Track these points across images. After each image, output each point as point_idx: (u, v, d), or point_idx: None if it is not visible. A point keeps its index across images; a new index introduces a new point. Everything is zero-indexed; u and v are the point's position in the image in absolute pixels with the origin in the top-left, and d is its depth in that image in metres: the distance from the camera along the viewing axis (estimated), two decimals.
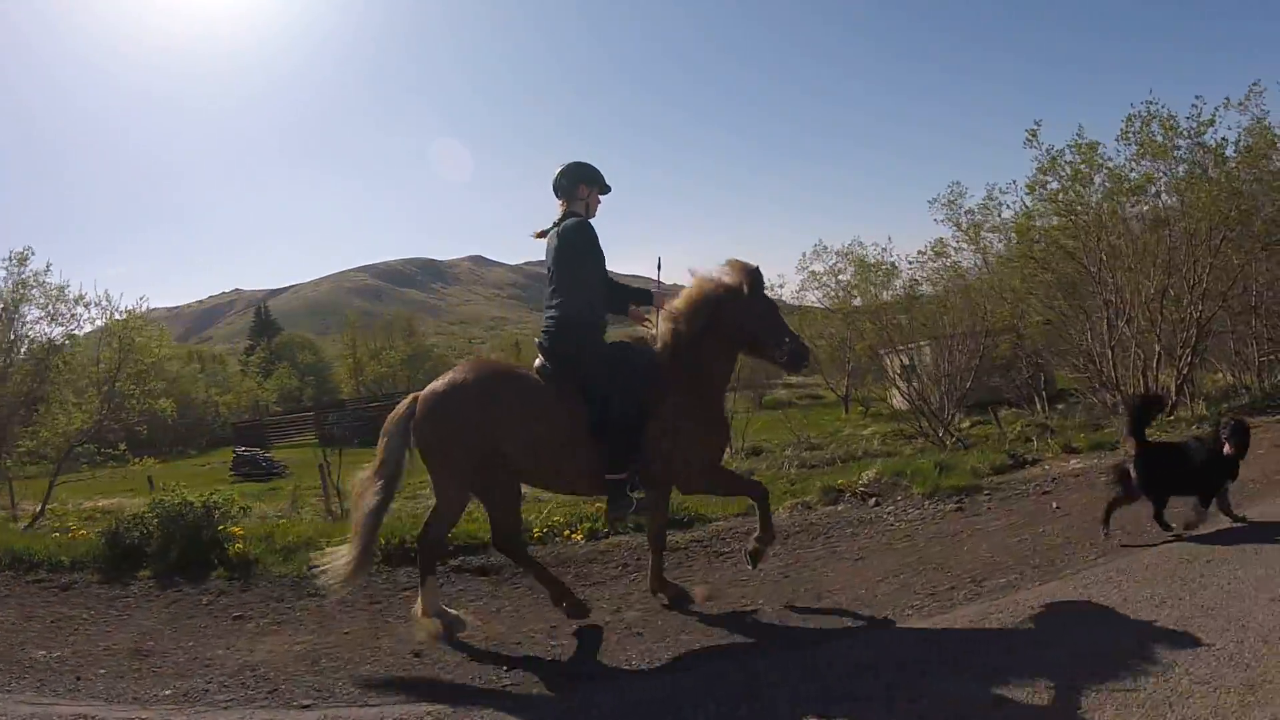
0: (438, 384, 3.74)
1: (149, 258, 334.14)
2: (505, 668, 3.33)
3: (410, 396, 3.81)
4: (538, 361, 3.85)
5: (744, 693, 2.90)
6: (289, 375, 47.74)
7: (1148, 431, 4.61)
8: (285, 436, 35.67)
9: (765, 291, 3.93)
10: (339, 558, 3.69)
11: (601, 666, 3.34)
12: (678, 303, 3.87)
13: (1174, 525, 4.31)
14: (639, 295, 4.16)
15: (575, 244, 3.81)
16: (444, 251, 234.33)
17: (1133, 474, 4.33)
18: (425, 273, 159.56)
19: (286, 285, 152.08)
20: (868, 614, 3.68)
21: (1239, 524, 4.33)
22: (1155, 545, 4.22)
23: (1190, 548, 4.09)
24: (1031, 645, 3.09)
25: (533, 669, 3.32)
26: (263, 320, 58.35)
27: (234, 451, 25.94)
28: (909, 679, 2.87)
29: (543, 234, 3.99)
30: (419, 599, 3.72)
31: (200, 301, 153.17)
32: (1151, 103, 10.07)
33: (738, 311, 3.82)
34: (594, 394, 3.65)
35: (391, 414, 3.78)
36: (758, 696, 2.87)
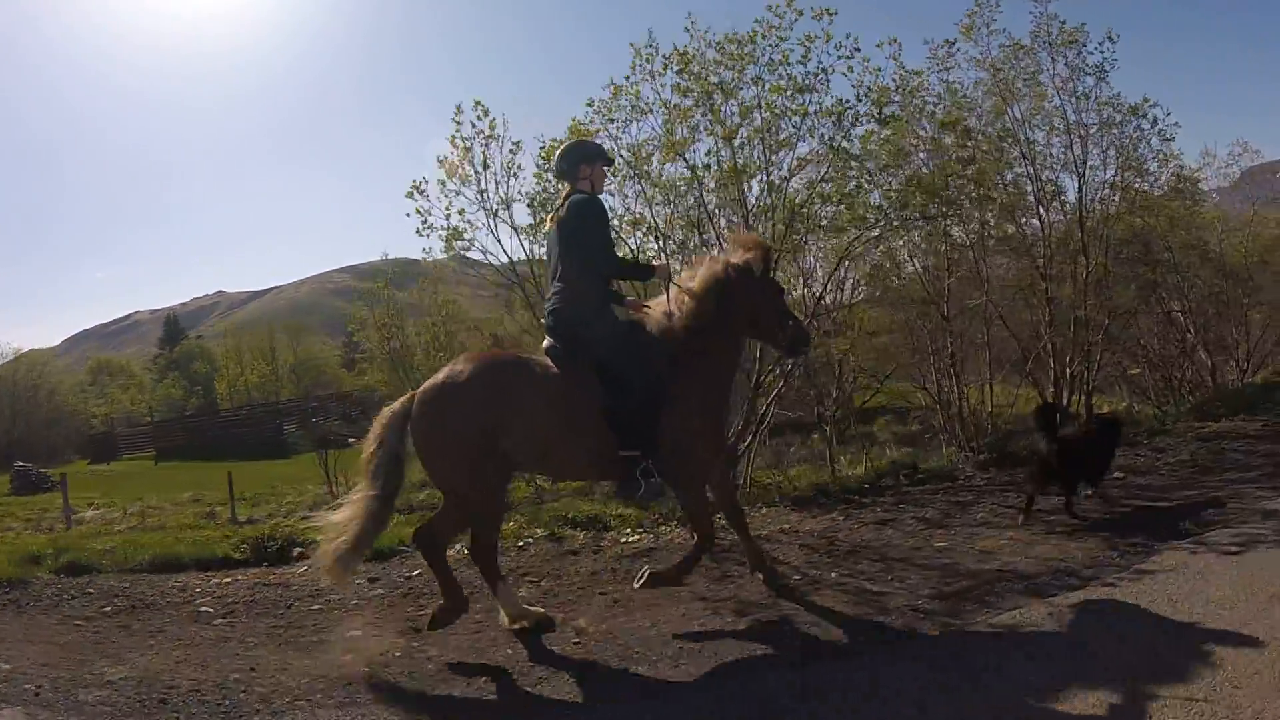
0: (436, 378, 3.59)
1: (136, 260, 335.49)
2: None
3: (408, 394, 3.62)
4: (545, 343, 3.71)
5: None
6: (175, 385, 45.64)
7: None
8: (138, 448, 34.64)
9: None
10: (321, 559, 3.54)
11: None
12: (694, 284, 3.70)
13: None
14: (640, 271, 4.09)
15: (584, 217, 3.64)
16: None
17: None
18: (410, 273, 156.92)
19: (269, 287, 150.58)
20: None
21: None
22: None
23: None
24: None
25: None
26: (171, 329, 56.47)
27: (14, 466, 23.85)
28: None
29: (554, 219, 3.78)
30: (500, 608, 3.63)
31: (184, 304, 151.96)
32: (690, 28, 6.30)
33: (749, 292, 3.71)
34: (605, 373, 3.51)
35: (385, 411, 3.59)
36: None
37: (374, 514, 3.47)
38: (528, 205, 6.77)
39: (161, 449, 31.69)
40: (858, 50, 5.99)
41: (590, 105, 6.49)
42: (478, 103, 6.60)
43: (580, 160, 3.79)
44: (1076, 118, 7.79)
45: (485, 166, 6.67)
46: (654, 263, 4.27)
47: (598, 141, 5.28)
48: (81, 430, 41.09)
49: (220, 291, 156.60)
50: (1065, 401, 8.16)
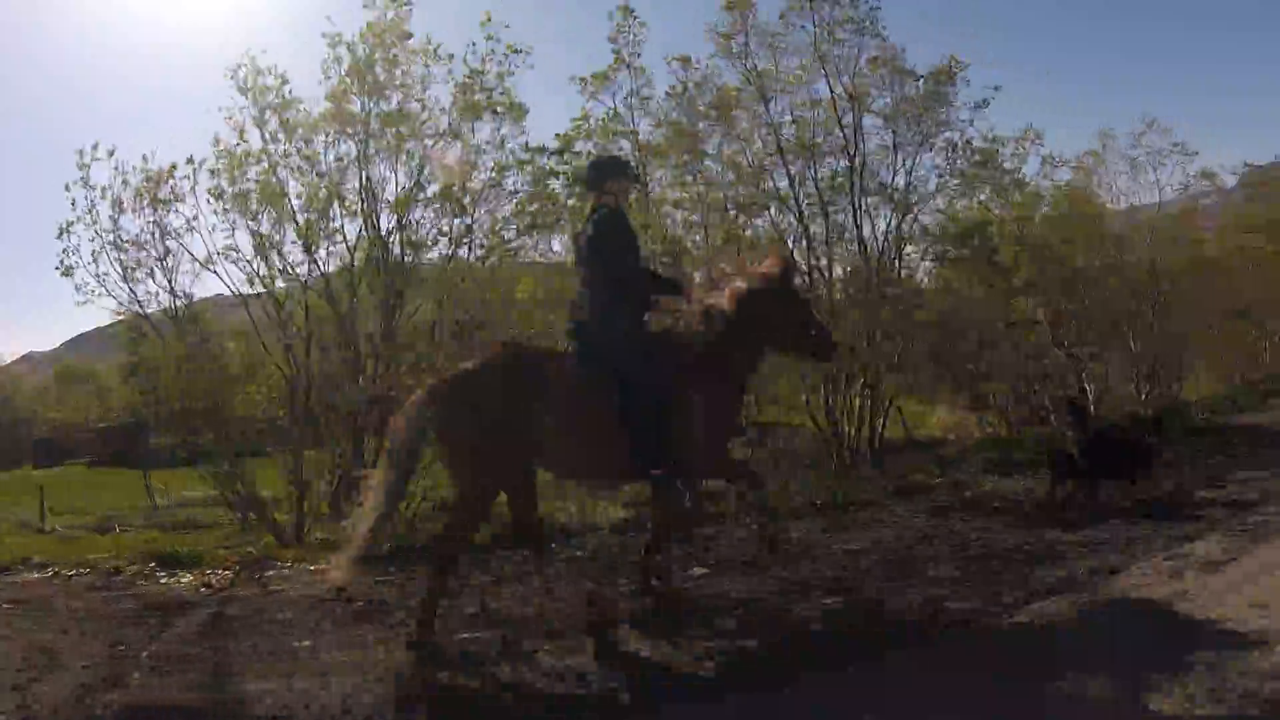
0: (464, 367, 3.73)
1: None
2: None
3: (429, 383, 3.65)
4: (570, 348, 3.81)
5: None
6: (134, 391, 45.16)
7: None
8: (89, 453, 35.11)
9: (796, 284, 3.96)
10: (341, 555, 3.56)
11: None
12: (719, 300, 3.75)
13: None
14: (670, 286, 4.03)
15: (607, 232, 3.74)
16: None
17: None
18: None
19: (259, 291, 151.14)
20: None
21: None
22: None
23: None
24: None
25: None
26: (135, 334, 55.69)
27: None
28: None
29: (578, 233, 3.94)
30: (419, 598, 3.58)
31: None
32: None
33: (771, 307, 3.74)
34: (627, 383, 3.53)
35: (407, 402, 3.59)
36: None
37: (386, 501, 3.49)
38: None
39: (99, 455, 32.07)
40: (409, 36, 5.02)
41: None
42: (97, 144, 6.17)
43: (608, 175, 3.87)
44: (841, 86, 6.37)
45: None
46: (682, 279, 4.34)
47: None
48: (35, 435, 41.51)
49: (219, 294, 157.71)
50: (848, 436, 6.82)
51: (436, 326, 5.92)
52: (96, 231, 6.17)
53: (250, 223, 5.90)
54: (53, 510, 14.79)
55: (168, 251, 6.19)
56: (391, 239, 5.72)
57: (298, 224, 5.73)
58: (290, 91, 5.75)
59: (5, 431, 41.86)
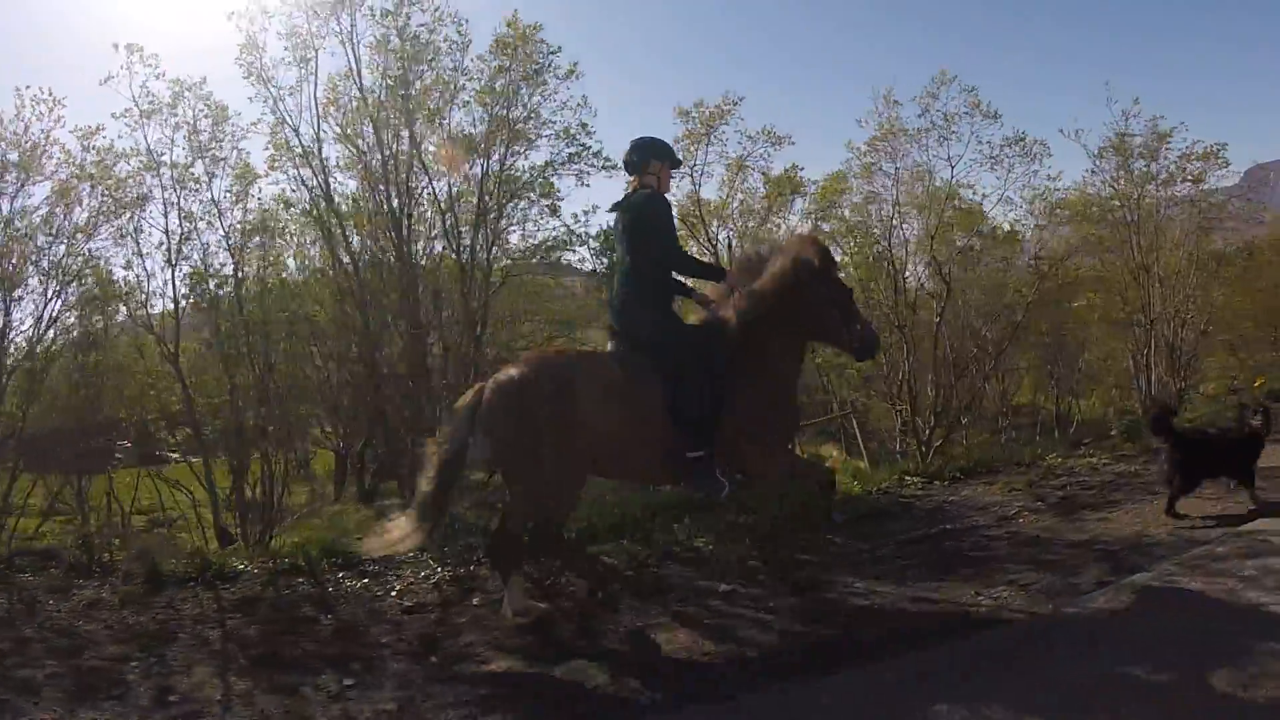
0: (509, 371, 3.61)
1: None
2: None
3: (476, 385, 3.68)
4: (610, 344, 3.79)
5: None
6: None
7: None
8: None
9: (839, 273, 3.88)
10: (394, 529, 3.59)
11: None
12: (756, 285, 3.68)
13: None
14: (713, 273, 4.05)
15: (647, 216, 3.69)
16: None
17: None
18: None
19: None
20: None
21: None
22: None
23: None
24: None
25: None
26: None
27: None
28: None
29: (615, 208, 3.88)
30: (505, 600, 3.58)
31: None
32: None
33: (812, 294, 3.66)
34: (667, 372, 3.54)
35: (457, 404, 3.69)
36: None
37: (433, 500, 3.55)
38: None
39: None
40: None
41: None
42: None
43: (652, 155, 3.80)
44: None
45: None
46: (727, 268, 4.22)
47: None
48: None
49: None
50: None
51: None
52: None
53: None
54: None
55: None
56: None
57: None
58: None
59: None
